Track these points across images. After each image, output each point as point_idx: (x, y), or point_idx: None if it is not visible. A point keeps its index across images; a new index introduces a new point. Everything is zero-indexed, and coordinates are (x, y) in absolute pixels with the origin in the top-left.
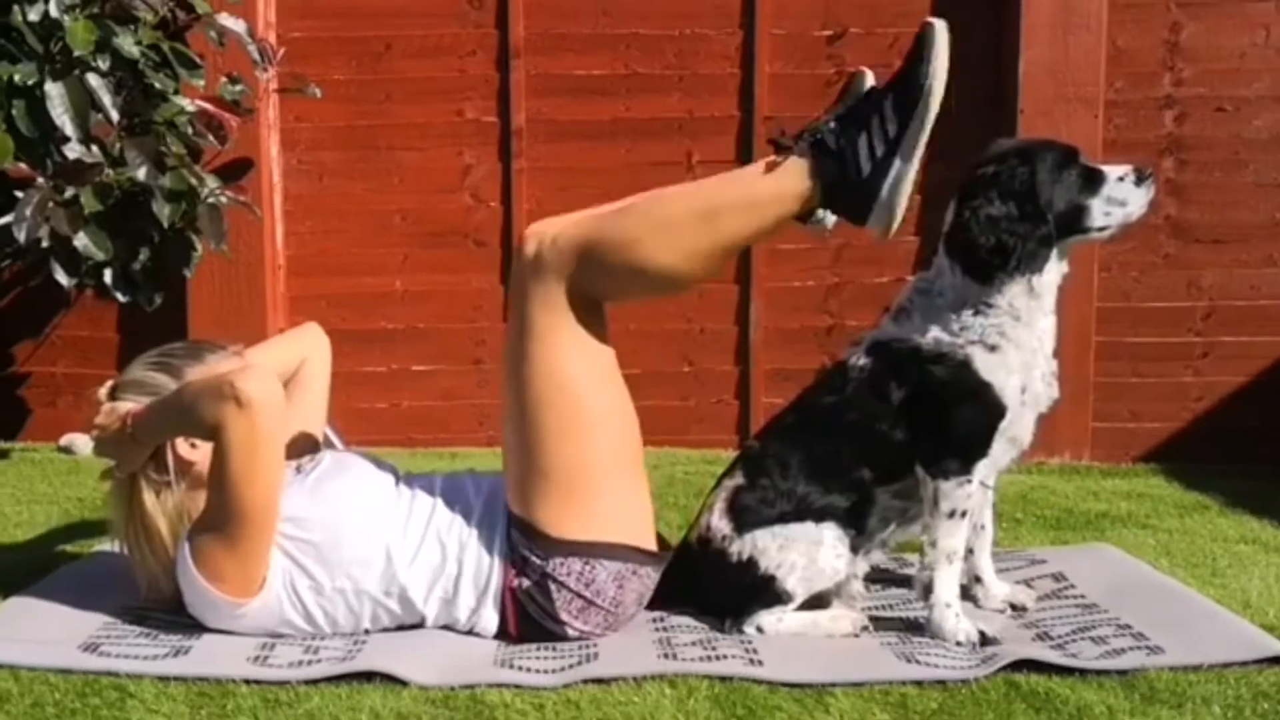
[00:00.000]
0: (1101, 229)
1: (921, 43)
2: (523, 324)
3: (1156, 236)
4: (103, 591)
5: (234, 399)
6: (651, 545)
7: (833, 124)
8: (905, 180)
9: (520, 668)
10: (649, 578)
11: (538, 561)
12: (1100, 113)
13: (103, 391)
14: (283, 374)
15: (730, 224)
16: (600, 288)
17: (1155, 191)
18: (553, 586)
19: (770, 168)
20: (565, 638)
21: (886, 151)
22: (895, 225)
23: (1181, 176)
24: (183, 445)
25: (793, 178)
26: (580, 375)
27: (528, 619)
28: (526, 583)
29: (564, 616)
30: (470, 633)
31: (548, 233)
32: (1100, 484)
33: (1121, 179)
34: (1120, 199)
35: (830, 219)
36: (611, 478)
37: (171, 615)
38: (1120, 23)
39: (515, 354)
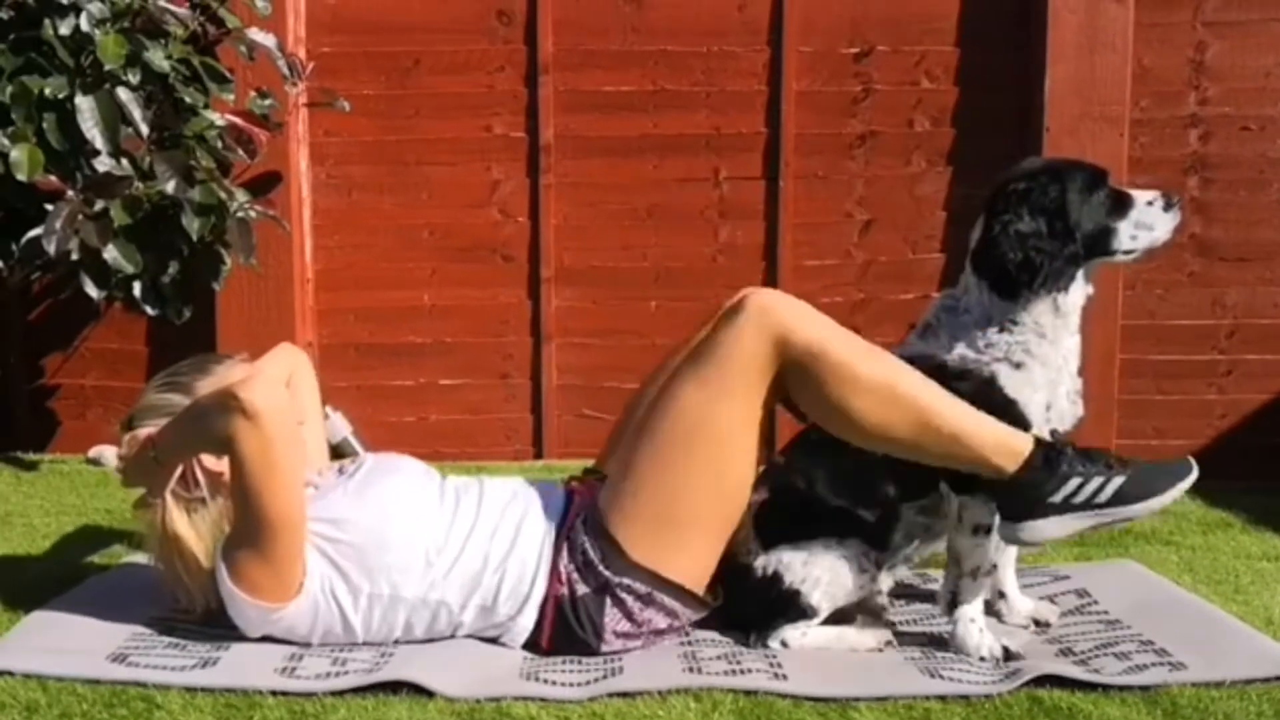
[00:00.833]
0: (1128, 252)
1: (1176, 471)
2: (710, 363)
3: (1181, 255)
4: (131, 602)
5: (240, 410)
6: (706, 595)
7: (1073, 451)
8: (1064, 533)
9: (546, 680)
10: (691, 621)
11: (604, 572)
12: (1125, 131)
13: (121, 425)
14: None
15: (933, 439)
16: (792, 385)
17: (1182, 217)
18: (609, 600)
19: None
20: (595, 653)
21: (1078, 508)
22: (1018, 545)
23: (1206, 195)
24: (208, 458)
25: (1008, 455)
26: (739, 436)
27: (565, 629)
28: (583, 590)
29: (606, 633)
30: (496, 641)
31: (782, 298)
32: None
33: (1150, 203)
34: (1148, 223)
35: (1037, 538)
36: (709, 532)
37: (200, 626)
38: (1146, 41)
39: (688, 381)
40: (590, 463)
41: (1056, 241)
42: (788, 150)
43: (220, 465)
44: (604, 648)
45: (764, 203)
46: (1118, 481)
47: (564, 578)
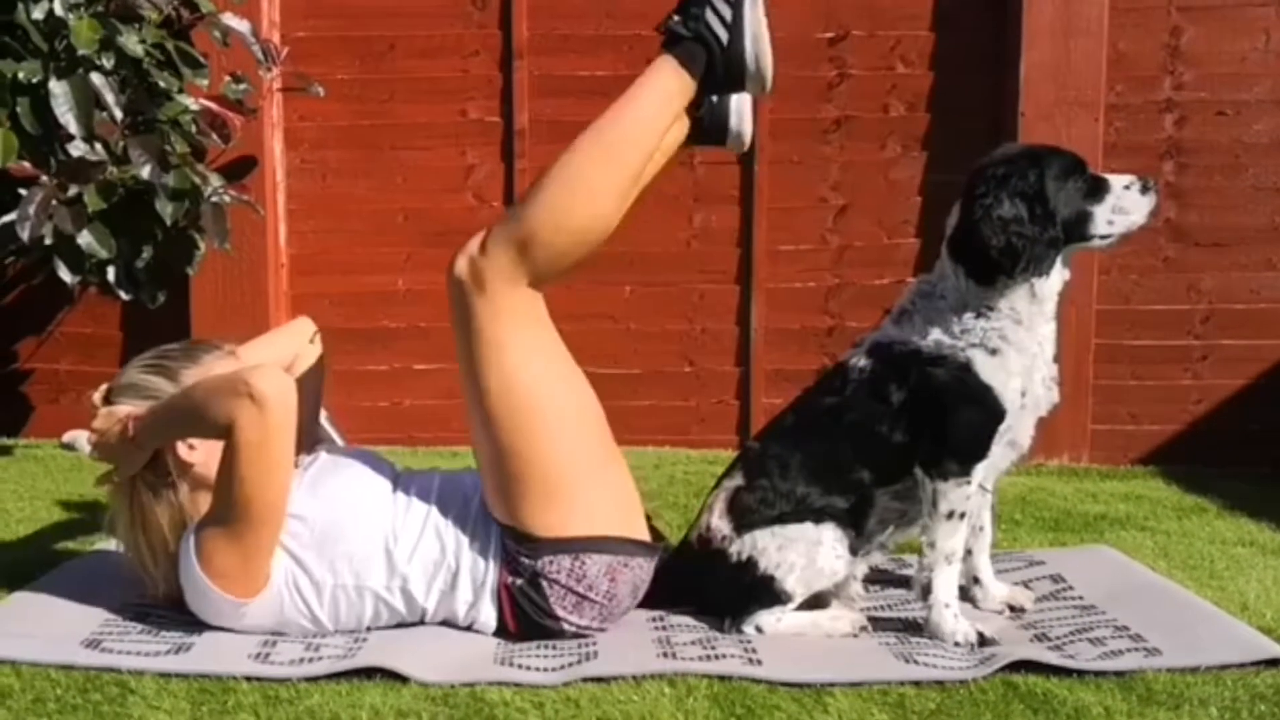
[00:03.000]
0: (1104, 237)
1: None
2: (472, 340)
3: (1156, 240)
4: (105, 588)
5: (249, 396)
6: (641, 535)
7: (675, 16)
8: (761, 28)
9: (520, 666)
10: (641, 568)
11: (527, 561)
12: (1101, 116)
13: (97, 396)
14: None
15: (632, 150)
16: (544, 268)
17: (1158, 201)
18: (545, 584)
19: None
20: (563, 634)
21: (733, 11)
22: (769, 76)
23: (1181, 180)
24: (181, 447)
25: (666, 77)
26: (540, 377)
27: (524, 616)
28: (520, 581)
29: (559, 612)
30: (470, 629)
31: (472, 246)
32: (1099, 486)
33: (1127, 187)
34: (1125, 208)
35: (745, 129)
36: (588, 472)
37: (173, 612)
38: (1121, 26)
39: (472, 370)
40: None
41: (1037, 226)
42: (762, 135)
43: (192, 456)
44: (567, 627)
45: (738, 187)
46: None
47: (509, 568)
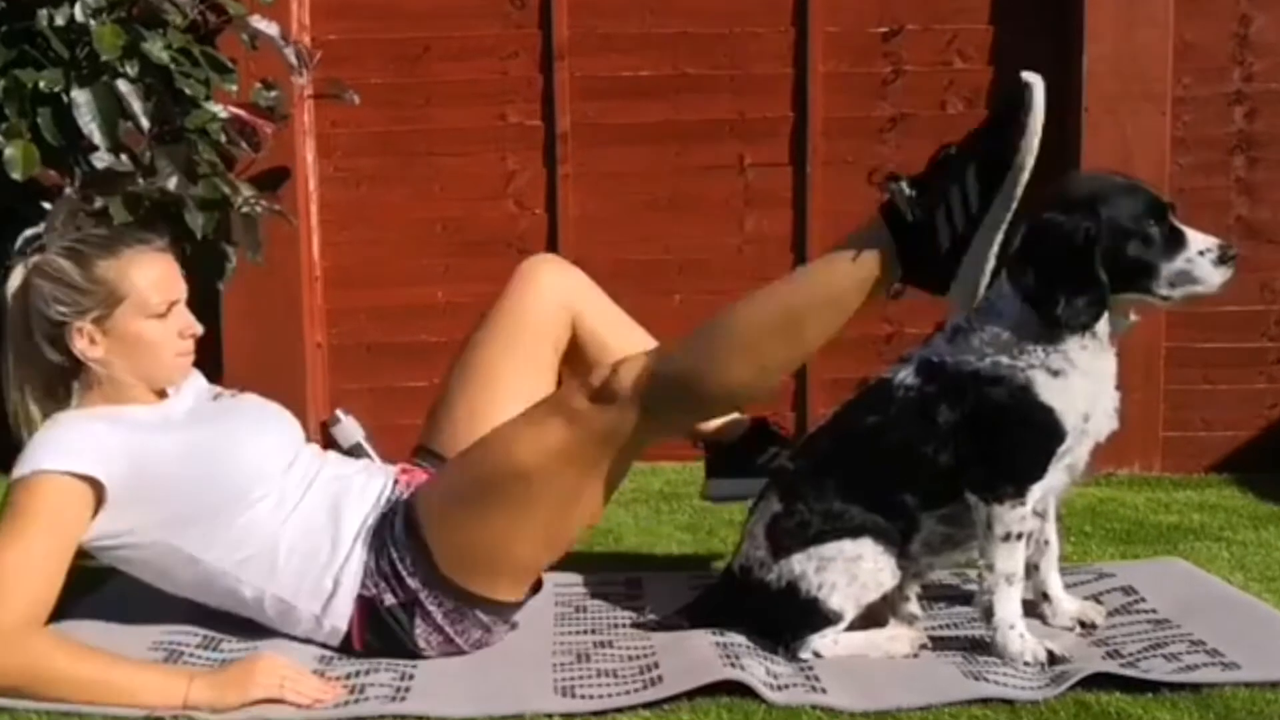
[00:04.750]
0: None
1: (1014, 103)
2: (557, 425)
3: (1227, 237)
4: (130, 624)
5: None
6: (523, 594)
7: (911, 189)
8: (986, 257)
9: (582, 696)
10: (511, 625)
11: (411, 583)
12: (1168, 109)
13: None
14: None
15: (814, 327)
16: (677, 421)
17: None
18: (417, 612)
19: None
20: (413, 656)
21: (967, 226)
22: (976, 300)
23: (1253, 175)
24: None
25: (870, 265)
26: (584, 499)
27: (378, 631)
28: (390, 600)
29: (420, 644)
30: (311, 641)
31: (620, 374)
32: (1172, 495)
33: None
34: None
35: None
36: (523, 574)
37: (203, 650)
38: (1187, 16)
39: (527, 432)
40: None
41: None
42: (815, 135)
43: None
44: (424, 652)
45: (791, 190)
46: (973, 170)
47: (373, 583)
